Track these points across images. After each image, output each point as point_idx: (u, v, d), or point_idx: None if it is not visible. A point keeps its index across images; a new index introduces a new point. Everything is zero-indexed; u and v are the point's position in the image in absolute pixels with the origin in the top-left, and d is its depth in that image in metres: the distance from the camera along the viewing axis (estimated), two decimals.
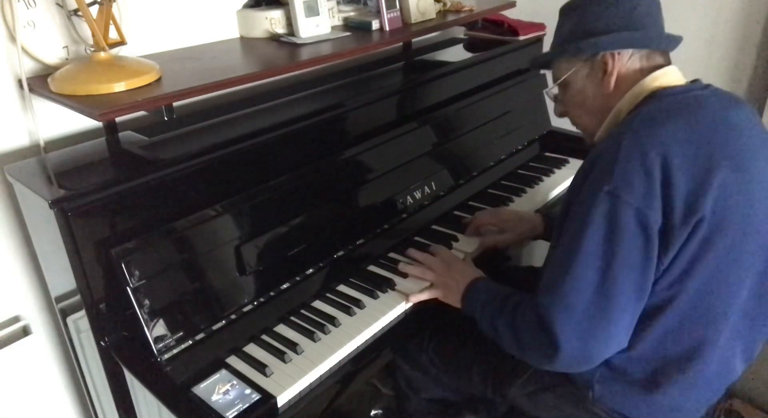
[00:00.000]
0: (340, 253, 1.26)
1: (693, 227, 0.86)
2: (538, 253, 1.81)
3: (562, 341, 0.87)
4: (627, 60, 0.99)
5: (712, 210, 0.86)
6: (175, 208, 1.07)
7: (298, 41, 1.37)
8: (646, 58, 1.00)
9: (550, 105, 1.19)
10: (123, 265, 0.97)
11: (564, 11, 1.07)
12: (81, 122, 1.25)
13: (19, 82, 1.13)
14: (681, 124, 0.89)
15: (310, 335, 1.08)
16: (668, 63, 1.02)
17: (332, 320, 1.12)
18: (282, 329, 1.11)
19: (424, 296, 1.17)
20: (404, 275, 1.23)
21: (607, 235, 0.86)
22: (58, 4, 1.16)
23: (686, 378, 0.95)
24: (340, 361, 1.05)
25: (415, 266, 1.23)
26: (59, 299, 1.18)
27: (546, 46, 1.43)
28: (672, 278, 0.89)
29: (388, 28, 1.50)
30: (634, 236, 0.85)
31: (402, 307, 1.16)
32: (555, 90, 1.10)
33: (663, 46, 1.01)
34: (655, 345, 0.94)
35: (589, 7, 1.01)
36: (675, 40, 1.01)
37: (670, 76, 0.99)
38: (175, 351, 1.01)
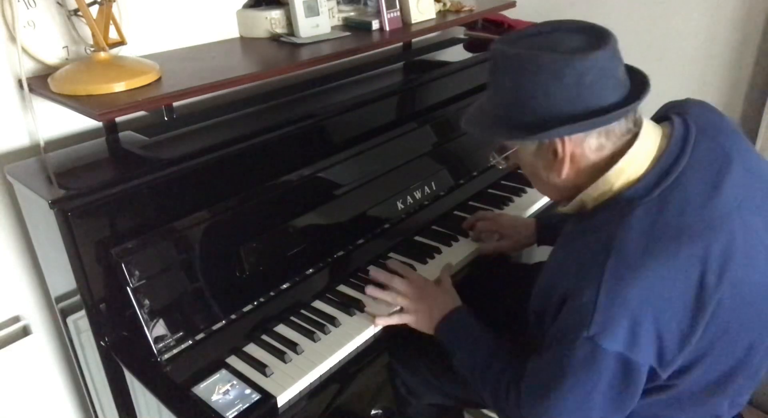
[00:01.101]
0: (340, 253, 1.26)
1: (690, 347, 0.79)
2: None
3: None
4: (582, 140, 0.83)
5: (713, 325, 0.79)
6: (175, 208, 1.07)
7: (298, 41, 1.37)
8: (605, 134, 0.83)
9: None
10: (123, 265, 0.97)
11: (500, 66, 0.85)
12: (81, 122, 1.25)
13: (19, 82, 1.13)
14: (663, 259, 0.76)
15: (310, 335, 1.08)
16: (635, 126, 0.84)
17: (332, 320, 1.12)
18: (282, 329, 1.11)
19: (393, 321, 1.10)
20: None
21: (586, 372, 0.80)
22: (58, 3, 1.16)
23: None
24: (340, 361, 1.05)
25: (385, 290, 1.14)
26: (59, 299, 1.18)
27: None
28: (672, 372, 0.83)
29: (388, 28, 1.50)
30: (614, 375, 0.79)
31: None
32: (499, 155, 0.97)
33: (620, 114, 0.81)
34: (662, 411, 0.91)
35: (528, 75, 0.80)
36: (640, 99, 0.81)
37: (636, 162, 0.83)
38: (175, 351, 1.01)
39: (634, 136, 0.84)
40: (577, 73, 0.78)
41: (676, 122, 0.86)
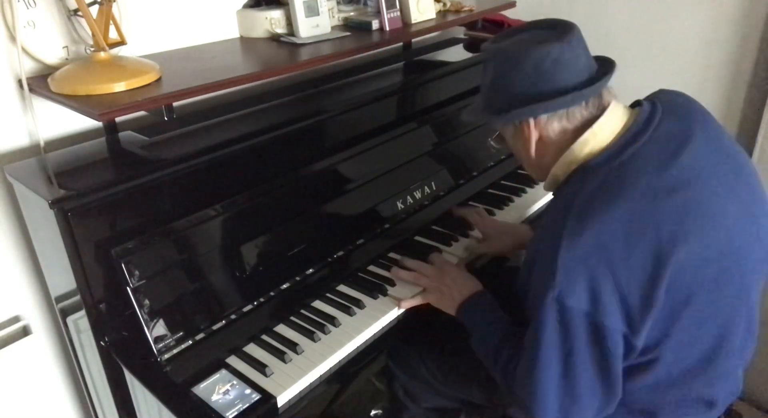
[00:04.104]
0: (340, 253, 1.26)
1: (655, 311, 0.82)
2: None
3: None
4: (545, 123, 0.91)
5: (674, 289, 0.81)
6: (175, 208, 1.07)
7: (298, 41, 1.37)
8: (566, 117, 0.90)
9: None
10: (123, 265, 0.97)
11: (483, 58, 0.98)
12: (81, 122, 1.25)
13: (19, 82, 1.13)
14: (617, 214, 0.81)
15: (310, 335, 1.08)
16: (597, 110, 0.91)
17: (332, 320, 1.12)
18: (282, 329, 1.11)
19: (416, 302, 1.15)
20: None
21: (561, 337, 0.83)
22: (60, 1, 1.16)
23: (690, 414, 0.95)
24: (340, 361, 1.05)
25: (407, 272, 1.20)
26: (59, 299, 1.18)
27: None
28: (648, 345, 0.85)
29: (388, 28, 1.50)
30: (587, 339, 0.82)
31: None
32: (494, 140, 1.08)
33: (578, 100, 0.89)
34: (648, 395, 0.92)
35: (499, 64, 0.92)
36: (597, 85, 0.88)
37: (600, 136, 0.89)
38: (175, 351, 1.01)
39: (597, 119, 0.90)
40: (534, 62, 0.88)
41: (645, 105, 0.93)
